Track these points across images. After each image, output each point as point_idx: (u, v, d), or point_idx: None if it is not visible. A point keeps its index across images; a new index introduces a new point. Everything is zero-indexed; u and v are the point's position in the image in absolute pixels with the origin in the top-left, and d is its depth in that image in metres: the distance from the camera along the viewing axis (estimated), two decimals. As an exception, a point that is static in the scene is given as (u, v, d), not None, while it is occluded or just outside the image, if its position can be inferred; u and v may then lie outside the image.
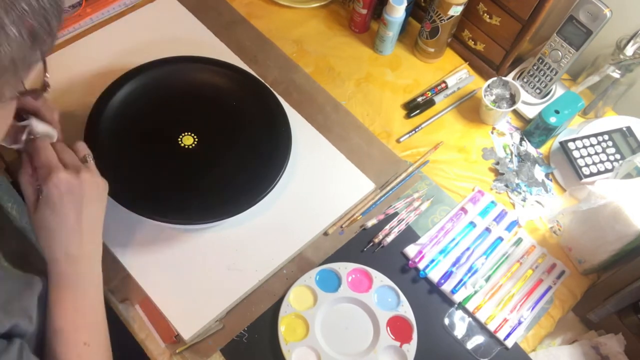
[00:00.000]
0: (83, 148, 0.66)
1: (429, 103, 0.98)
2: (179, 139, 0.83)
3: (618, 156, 0.91)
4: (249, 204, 0.77)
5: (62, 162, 0.62)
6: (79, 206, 0.61)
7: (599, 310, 0.80)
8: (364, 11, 1.01)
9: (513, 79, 0.99)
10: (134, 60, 0.87)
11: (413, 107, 0.97)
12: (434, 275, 0.81)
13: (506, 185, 0.91)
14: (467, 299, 0.80)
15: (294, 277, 0.79)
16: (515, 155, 0.94)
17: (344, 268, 0.79)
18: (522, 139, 0.96)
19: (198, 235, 0.79)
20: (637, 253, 0.76)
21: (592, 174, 0.90)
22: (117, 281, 0.76)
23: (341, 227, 0.84)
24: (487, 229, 0.86)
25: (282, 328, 0.75)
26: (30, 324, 0.58)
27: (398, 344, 0.75)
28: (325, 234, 0.83)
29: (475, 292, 0.81)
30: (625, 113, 0.99)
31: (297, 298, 0.77)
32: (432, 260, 0.82)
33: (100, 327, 0.64)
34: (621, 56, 0.88)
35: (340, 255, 0.82)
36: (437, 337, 0.78)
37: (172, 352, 0.73)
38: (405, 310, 0.77)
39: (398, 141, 0.94)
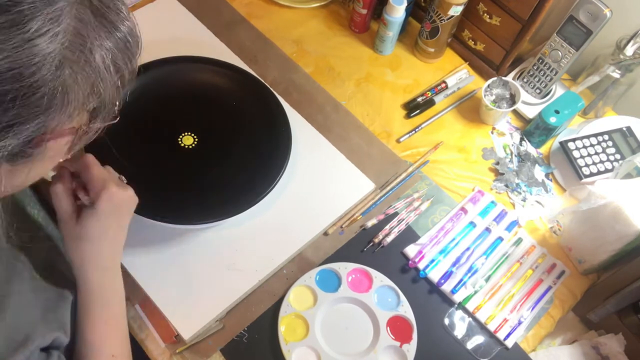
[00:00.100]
0: (112, 170, 0.68)
1: (429, 103, 0.98)
2: (179, 139, 0.83)
3: (618, 156, 0.91)
4: (249, 204, 0.77)
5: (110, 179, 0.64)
6: (120, 220, 0.63)
7: (599, 310, 0.80)
8: (364, 11, 1.01)
9: (513, 79, 0.99)
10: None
11: (413, 107, 0.97)
12: (434, 275, 0.81)
13: (506, 185, 0.91)
14: (467, 299, 0.80)
15: (294, 277, 0.79)
16: (515, 155, 0.94)
17: (344, 268, 0.79)
18: (522, 139, 0.96)
19: (198, 235, 0.79)
20: (637, 253, 0.76)
21: (592, 174, 0.90)
22: (117, 281, 0.76)
23: (341, 227, 0.84)
24: (487, 229, 0.86)
25: (282, 328, 0.75)
26: (66, 336, 0.59)
27: (398, 344, 0.75)
28: (325, 234, 0.83)
29: (475, 292, 0.81)
30: (625, 113, 0.99)
31: (297, 298, 0.77)
32: (432, 260, 0.82)
33: (126, 338, 0.65)
34: (621, 56, 0.88)
35: (340, 255, 0.82)
36: (437, 337, 0.78)
37: (172, 352, 0.73)
38: (405, 310, 0.77)
39: (398, 141, 0.94)
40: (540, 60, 0.94)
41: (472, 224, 0.86)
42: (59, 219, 0.61)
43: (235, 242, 0.79)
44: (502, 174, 0.92)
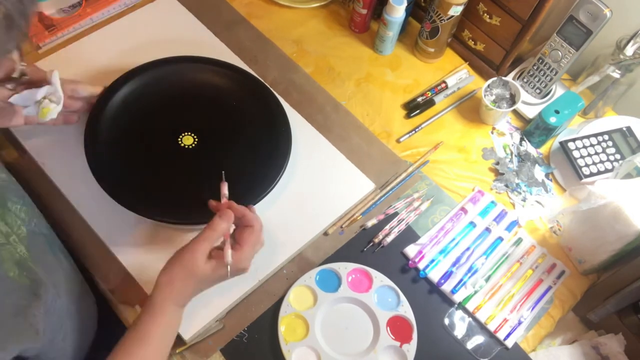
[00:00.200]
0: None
1: (429, 103, 0.98)
2: (179, 139, 0.83)
3: (618, 156, 0.91)
4: (249, 204, 0.77)
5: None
6: (212, 284, 0.69)
7: (599, 310, 0.80)
8: (364, 11, 1.01)
9: (513, 79, 0.99)
10: (134, 60, 0.87)
11: (413, 107, 0.97)
12: (434, 275, 0.81)
13: (506, 185, 0.91)
14: (467, 299, 0.80)
15: (294, 277, 0.79)
16: (515, 155, 0.94)
17: (344, 268, 0.79)
18: (522, 139, 0.96)
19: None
20: (637, 253, 0.76)
21: (592, 174, 0.90)
22: (117, 281, 0.76)
23: (341, 227, 0.84)
24: (487, 229, 0.86)
25: (282, 328, 0.75)
26: (37, 339, 0.58)
27: (398, 344, 0.75)
28: (325, 234, 0.83)
29: (475, 292, 0.81)
30: (625, 113, 0.99)
31: (297, 298, 0.77)
32: (432, 260, 0.82)
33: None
34: (621, 56, 0.88)
35: (340, 255, 0.82)
36: (437, 337, 0.78)
37: (172, 352, 0.73)
38: (405, 310, 0.77)
39: (398, 141, 0.94)
40: (540, 60, 0.94)
41: (472, 224, 0.86)
42: (195, 243, 0.64)
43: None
44: (502, 174, 0.92)
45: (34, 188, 0.82)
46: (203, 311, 0.74)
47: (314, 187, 0.85)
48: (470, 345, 0.78)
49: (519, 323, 0.79)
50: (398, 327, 0.77)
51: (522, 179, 0.92)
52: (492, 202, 0.89)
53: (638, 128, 0.94)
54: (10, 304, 0.56)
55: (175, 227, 0.79)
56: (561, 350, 0.80)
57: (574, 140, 0.92)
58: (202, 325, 0.73)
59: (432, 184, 0.90)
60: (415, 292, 0.80)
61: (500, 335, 0.78)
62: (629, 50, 0.87)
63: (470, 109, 0.99)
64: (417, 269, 0.82)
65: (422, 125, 0.96)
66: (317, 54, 1.02)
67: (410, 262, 0.82)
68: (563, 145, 0.92)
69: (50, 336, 0.63)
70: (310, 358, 0.74)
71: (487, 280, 0.82)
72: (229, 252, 0.65)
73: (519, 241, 0.86)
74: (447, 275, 0.81)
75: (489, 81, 0.95)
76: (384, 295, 0.79)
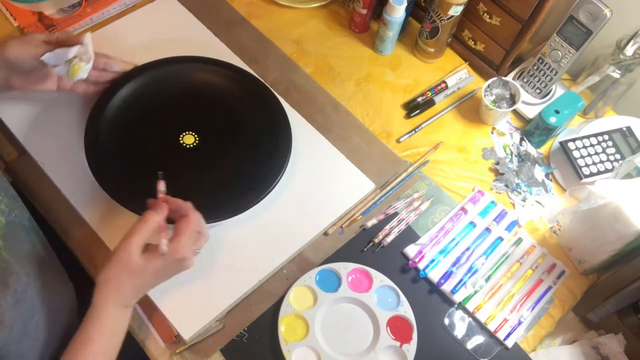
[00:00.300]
0: (203, 242, 0.71)
1: (429, 103, 0.98)
2: (180, 138, 0.83)
3: (618, 156, 0.91)
4: (249, 204, 0.77)
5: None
6: (165, 278, 0.68)
7: (599, 310, 0.80)
8: (364, 11, 1.01)
9: (513, 79, 0.99)
10: (134, 60, 0.86)
11: (413, 107, 0.97)
12: (434, 275, 0.81)
13: (506, 185, 0.91)
14: (467, 299, 0.80)
15: (294, 277, 0.79)
16: (515, 155, 0.94)
17: (344, 268, 0.79)
18: (522, 139, 0.96)
19: (198, 235, 0.79)
20: (637, 253, 0.75)
21: (592, 174, 0.90)
22: (117, 281, 0.76)
23: (341, 227, 0.84)
24: (487, 229, 0.86)
25: (282, 328, 0.75)
26: (2, 328, 0.58)
27: (398, 344, 0.75)
28: (325, 234, 0.83)
29: (475, 292, 0.81)
30: (625, 113, 0.99)
31: (297, 298, 0.77)
32: (432, 260, 0.82)
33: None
34: (621, 56, 0.88)
35: (340, 255, 0.82)
36: (437, 337, 0.78)
37: (172, 352, 0.73)
38: (405, 310, 0.77)
39: (398, 141, 0.94)
40: (540, 60, 0.94)
41: (472, 224, 0.86)
42: (127, 237, 0.63)
43: (235, 242, 0.79)
44: (502, 174, 0.92)
45: (34, 188, 0.82)
46: (203, 311, 0.74)
47: (314, 187, 0.85)
48: (470, 345, 0.78)
49: (519, 323, 0.79)
50: (398, 327, 0.77)
51: (522, 179, 0.92)
52: (492, 202, 0.89)
53: (638, 128, 0.94)
54: None
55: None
56: (561, 350, 0.80)
57: (574, 140, 0.92)
58: (202, 325, 0.73)
59: (432, 184, 0.90)
60: (415, 292, 0.80)
61: (500, 335, 0.78)
62: (629, 50, 0.87)
63: (470, 109, 0.99)
64: (417, 269, 0.82)
65: (422, 125, 0.96)
66: (317, 54, 1.02)
67: (410, 262, 0.82)
68: (563, 145, 0.92)
69: (21, 326, 0.63)
70: (310, 358, 0.74)
71: (487, 280, 0.82)
72: (163, 241, 0.64)
73: (519, 241, 0.86)
74: (447, 275, 0.81)
75: (489, 81, 0.95)
76: (384, 295, 0.79)
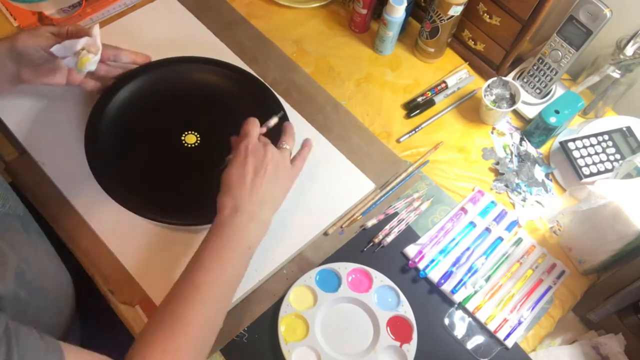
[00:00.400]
0: (288, 138, 0.76)
1: (429, 103, 0.98)
2: (182, 138, 0.83)
3: (618, 156, 0.91)
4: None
5: (260, 138, 0.73)
6: (259, 171, 0.69)
7: (599, 310, 0.80)
8: (364, 11, 1.01)
9: (513, 79, 0.99)
10: (134, 60, 0.87)
11: (413, 107, 0.97)
12: (434, 275, 0.81)
13: (506, 185, 0.91)
14: (467, 299, 0.80)
15: (294, 277, 0.79)
16: (515, 155, 0.94)
17: (344, 268, 0.79)
18: (522, 139, 0.96)
19: (199, 235, 0.79)
20: (637, 253, 0.76)
21: (592, 174, 0.90)
22: (117, 281, 0.76)
23: (341, 227, 0.84)
24: (487, 229, 0.86)
25: (282, 328, 0.75)
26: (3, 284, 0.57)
27: (398, 344, 0.75)
28: (325, 234, 0.83)
29: (475, 292, 0.81)
30: (625, 113, 0.99)
31: (297, 298, 0.77)
32: (432, 260, 0.82)
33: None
34: (621, 56, 0.88)
35: (340, 255, 0.82)
36: (437, 337, 0.78)
37: (172, 352, 0.73)
38: (405, 310, 0.77)
39: (398, 141, 0.94)
40: (540, 60, 0.94)
41: (472, 224, 0.86)
42: (246, 141, 0.70)
43: (235, 242, 0.79)
44: (502, 174, 0.92)
45: (34, 188, 0.82)
46: (203, 311, 0.74)
47: (314, 187, 0.85)
48: (470, 345, 0.78)
49: (519, 323, 0.79)
50: (398, 327, 0.77)
51: (522, 179, 0.92)
52: (492, 202, 0.89)
53: (638, 128, 0.94)
54: None
55: (176, 228, 0.79)
56: (561, 350, 0.80)
57: (574, 140, 0.92)
58: (202, 325, 0.73)
59: (432, 184, 0.90)
60: (415, 292, 0.80)
61: (500, 335, 0.78)
62: (629, 50, 0.87)
63: (470, 109, 0.99)
64: (417, 269, 0.82)
65: (422, 125, 0.96)
66: (317, 54, 1.02)
67: (410, 262, 0.82)
68: (563, 145, 0.92)
69: (21, 307, 0.62)
70: (310, 358, 0.74)
71: (487, 280, 0.82)
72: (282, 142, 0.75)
73: (519, 241, 0.86)
74: (447, 275, 0.81)
75: (489, 81, 0.95)
76: (384, 295, 0.79)
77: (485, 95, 0.94)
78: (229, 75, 0.88)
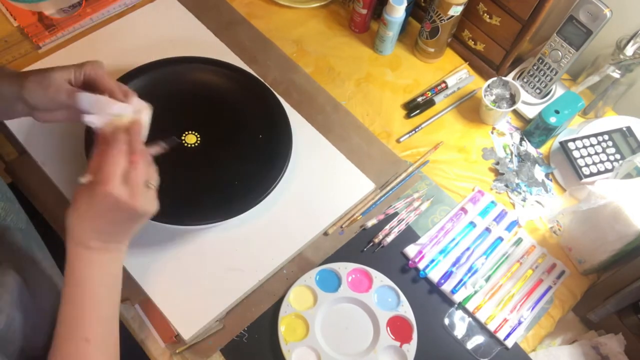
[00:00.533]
0: (154, 173, 0.62)
1: (429, 103, 0.98)
2: (183, 138, 0.83)
3: (618, 156, 0.91)
4: (249, 205, 0.77)
5: (127, 175, 0.57)
6: (118, 222, 0.59)
7: (599, 310, 0.80)
8: (364, 11, 1.01)
9: (513, 79, 0.99)
10: (134, 61, 0.87)
11: (413, 107, 0.97)
12: (434, 275, 0.81)
13: (506, 185, 0.91)
14: (467, 299, 0.80)
15: (294, 277, 0.79)
16: (515, 155, 0.94)
17: (344, 268, 0.79)
18: (522, 139, 0.96)
19: (198, 235, 0.79)
20: (637, 253, 0.75)
21: (592, 174, 0.90)
22: (117, 281, 0.76)
23: (341, 227, 0.84)
24: (487, 229, 0.86)
25: (282, 328, 0.75)
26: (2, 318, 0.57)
27: (398, 344, 0.75)
28: (325, 234, 0.83)
29: (475, 292, 0.81)
30: (625, 113, 0.99)
31: (297, 298, 0.77)
32: (432, 260, 0.82)
33: (106, 322, 0.61)
34: (621, 56, 0.88)
35: (340, 255, 0.82)
36: (437, 337, 0.78)
37: (172, 352, 0.73)
38: (405, 310, 0.77)
39: (398, 141, 0.94)
40: (540, 60, 0.94)
41: (472, 224, 0.86)
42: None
43: (235, 242, 0.79)
44: (502, 174, 0.92)
45: (34, 188, 0.82)
46: (203, 311, 0.74)
47: (314, 187, 0.85)
48: (470, 345, 0.78)
49: (519, 323, 0.79)
50: (398, 327, 0.77)
51: (522, 179, 0.92)
52: (492, 202, 0.89)
53: (638, 128, 0.94)
54: None
55: (175, 228, 0.78)
56: (561, 350, 0.80)
57: (574, 140, 0.92)
58: (202, 325, 0.73)
59: (432, 184, 0.90)
60: (415, 292, 0.80)
61: (500, 335, 0.78)
62: (629, 50, 0.87)
63: (470, 109, 0.99)
64: (417, 269, 0.82)
65: (422, 125, 0.96)
66: (317, 54, 1.02)
67: (410, 262, 0.82)
68: (563, 145, 0.92)
69: (19, 327, 0.61)
70: (310, 358, 0.74)
71: (487, 280, 0.82)
72: (85, 174, 0.56)
73: (519, 241, 0.86)
74: (447, 275, 0.81)
75: (489, 81, 0.95)
76: (384, 295, 0.79)
77: (485, 95, 0.94)
78: (229, 75, 0.88)
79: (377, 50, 1.04)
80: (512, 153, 0.95)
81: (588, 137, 0.92)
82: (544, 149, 0.96)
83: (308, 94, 0.96)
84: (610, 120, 0.96)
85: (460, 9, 0.93)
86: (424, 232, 0.85)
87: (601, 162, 0.91)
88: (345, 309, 0.78)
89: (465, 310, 0.80)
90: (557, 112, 0.90)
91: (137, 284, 0.75)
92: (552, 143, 0.96)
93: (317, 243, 0.83)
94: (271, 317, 0.77)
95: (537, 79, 0.96)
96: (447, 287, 0.80)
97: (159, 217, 0.75)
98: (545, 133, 0.93)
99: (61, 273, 0.77)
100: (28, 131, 0.83)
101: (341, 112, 0.95)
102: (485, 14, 0.94)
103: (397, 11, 0.94)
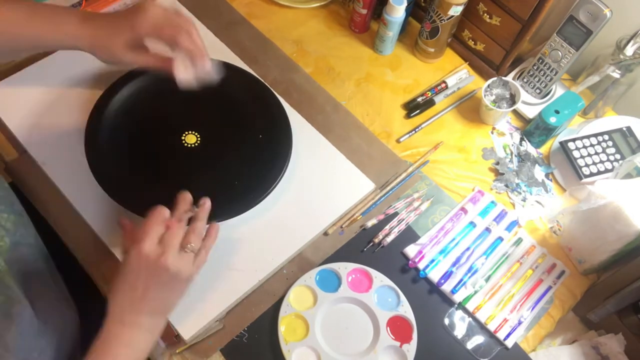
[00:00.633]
0: (194, 238, 0.64)
1: (429, 103, 0.98)
2: (182, 138, 0.83)
3: (618, 156, 0.91)
4: (249, 205, 0.77)
5: (161, 237, 0.61)
6: (151, 283, 0.60)
7: (599, 310, 0.80)
8: (364, 11, 1.01)
9: (513, 79, 0.99)
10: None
11: (413, 107, 0.97)
12: (434, 275, 0.81)
13: (506, 185, 0.91)
14: (467, 299, 0.80)
15: (294, 277, 0.79)
16: (515, 155, 0.94)
17: (344, 268, 0.79)
18: (522, 139, 0.96)
19: (198, 235, 0.79)
20: (637, 253, 0.76)
21: (592, 174, 0.90)
22: (117, 281, 0.76)
23: (341, 227, 0.84)
24: (487, 229, 0.86)
25: (282, 328, 0.75)
26: (8, 357, 0.57)
27: (398, 344, 0.75)
28: (325, 234, 0.83)
29: (475, 292, 0.81)
30: (625, 113, 0.99)
31: (297, 298, 0.77)
32: (432, 260, 0.82)
33: None
34: (621, 56, 0.88)
35: (340, 255, 0.82)
36: (437, 337, 0.78)
37: (172, 352, 0.73)
38: (405, 310, 0.77)
39: (398, 141, 0.94)
40: (540, 60, 0.94)
41: (472, 224, 0.86)
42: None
43: (235, 242, 0.79)
44: (502, 174, 0.92)
45: (34, 188, 0.82)
46: (203, 311, 0.74)
47: (314, 187, 0.85)
48: (470, 345, 0.78)
49: (519, 323, 0.79)
50: (398, 327, 0.77)
51: (522, 179, 0.92)
52: (492, 202, 0.89)
53: (638, 128, 0.94)
54: None
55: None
56: (561, 350, 0.80)
57: (574, 140, 0.92)
58: (202, 325, 0.73)
59: (432, 184, 0.90)
60: (415, 292, 0.80)
61: (500, 335, 0.78)
62: (629, 50, 0.87)
63: (470, 109, 0.99)
64: (417, 269, 0.82)
65: (422, 125, 0.96)
66: (317, 54, 1.02)
67: (410, 262, 0.82)
68: (563, 145, 0.92)
69: (25, 355, 0.61)
70: (310, 358, 0.74)
71: (487, 280, 0.82)
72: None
73: (519, 241, 0.86)
74: (447, 275, 0.81)
75: (489, 81, 0.95)
76: (384, 295, 0.79)
77: (485, 95, 0.94)
78: (228, 75, 0.88)
79: (377, 50, 1.04)
80: (512, 153, 0.95)
81: (588, 137, 0.92)
82: (544, 149, 0.96)
83: (308, 94, 0.96)
84: (610, 120, 0.96)
85: (460, 9, 0.93)
86: (424, 232, 0.85)
87: (601, 162, 0.91)
88: (345, 309, 0.78)
89: (465, 310, 0.80)
90: (557, 112, 0.91)
91: (137, 284, 0.75)
92: (552, 143, 0.96)
93: (317, 243, 0.83)
94: (271, 317, 0.77)
95: (537, 79, 0.96)
96: (447, 287, 0.80)
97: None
98: (545, 133, 0.93)
99: (69, 296, 0.77)
100: (28, 131, 0.83)
101: (341, 112, 0.95)
102: (485, 14, 0.94)
103: (397, 11, 0.95)
